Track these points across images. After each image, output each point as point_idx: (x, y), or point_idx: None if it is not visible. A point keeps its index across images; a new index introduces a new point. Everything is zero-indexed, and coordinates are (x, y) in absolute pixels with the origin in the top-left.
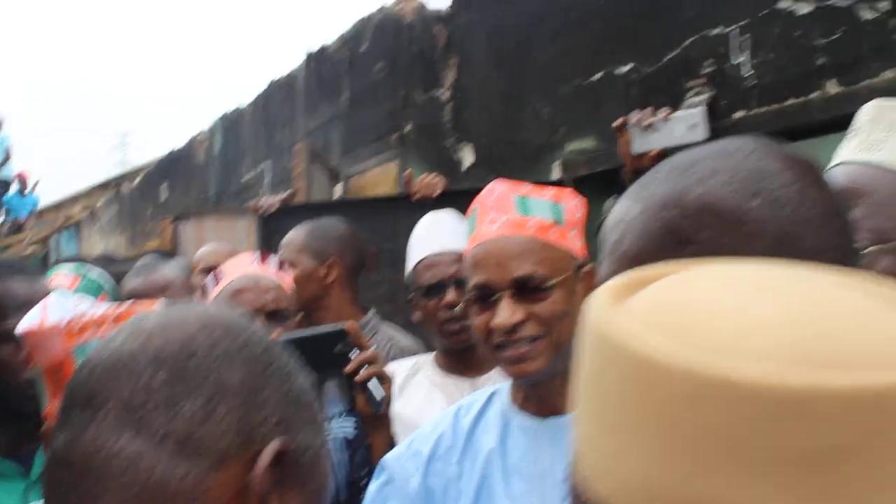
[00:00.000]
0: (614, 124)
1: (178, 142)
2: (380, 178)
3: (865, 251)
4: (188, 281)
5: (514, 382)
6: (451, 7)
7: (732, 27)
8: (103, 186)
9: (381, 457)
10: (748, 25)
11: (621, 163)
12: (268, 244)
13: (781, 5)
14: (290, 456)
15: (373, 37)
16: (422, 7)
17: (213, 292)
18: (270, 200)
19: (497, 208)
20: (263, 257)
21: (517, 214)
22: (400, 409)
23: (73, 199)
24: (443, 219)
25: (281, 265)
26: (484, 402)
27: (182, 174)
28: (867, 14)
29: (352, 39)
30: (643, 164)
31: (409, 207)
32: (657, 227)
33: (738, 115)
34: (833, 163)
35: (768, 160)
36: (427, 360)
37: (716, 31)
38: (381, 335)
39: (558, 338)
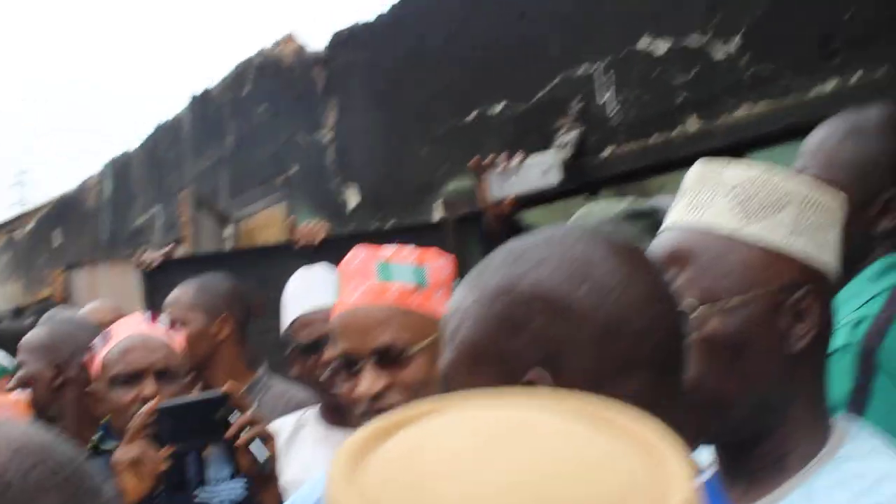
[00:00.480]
0: (469, 164)
1: (76, 179)
2: (269, 220)
3: (694, 313)
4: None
5: None
6: (328, 49)
7: (595, 66)
8: None
9: None
10: (610, 64)
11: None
12: (152, 299)
13: (640, 45)
14: None
15: (254, 79)
16: (301, 49)
17: (102, 352)
18: (152, 255)
19: (358, 275)
20: (153, 317)
21: (377, 281)
22: (286, 466)
23: None
24: (316, 274)
25: (172, 324)
26: None
27: (74, 219)
28: (719, 54)
29: (234, 82)
30: (502, 210)
31: (294, 255)
32: (491, 314)
33: (607, 151)
34: (663, 227)
35: (594, 248)
36: (311, 415)
37: (580, 70)
38: (275, 390)
39: None
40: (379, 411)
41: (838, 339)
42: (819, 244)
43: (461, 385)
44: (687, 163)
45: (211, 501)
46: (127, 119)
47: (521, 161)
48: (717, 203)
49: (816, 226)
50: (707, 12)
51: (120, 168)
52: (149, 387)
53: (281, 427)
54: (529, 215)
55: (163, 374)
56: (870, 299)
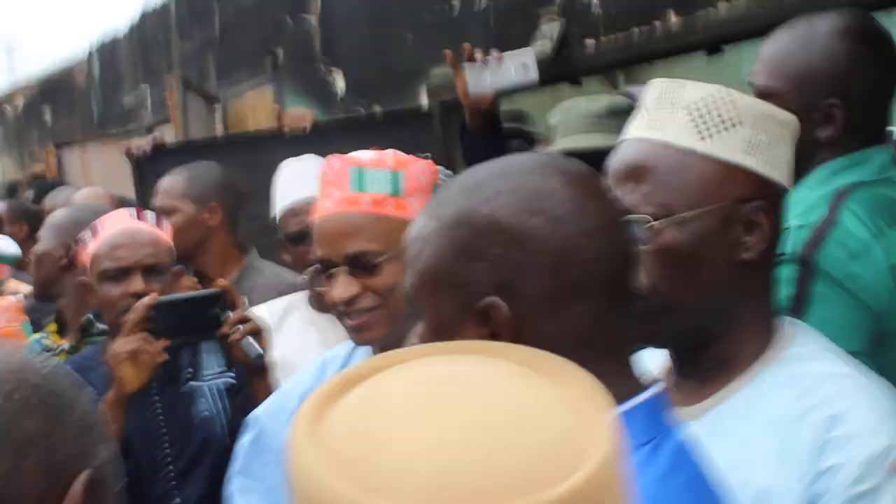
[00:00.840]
0: (446, 53)
1: (64, 51)
2: (257, 101)
3: (650, 224)
4: None
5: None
6: None
7: None
8: None
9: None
10: None
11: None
12: (143, 187)
13: None
14: (95, 483)
15: None
16: None
17: (90, 246)
18: (142, 143)
19: (334, 183)
20: (139, 212)
21: (351, 190)
22: (276, 350)
23: None
24: (305, 165)
25: (158, 218)
26: (346, 356)
27: (64, 98)
28: None
29: None
30: (480, 106)
31: (283, 141)
32: (450, 243)
33: (589, 43)
34: (622, 137)
35: (546, 179)
36: (300, 299)
37: None
38: (266, 273)
39: (395, 307)
40: (353, 314)
41: (781, 246)
42: (771, 161)
43: (424, 307)
44: (668, 56)
45: (204, 387)
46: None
47: (499, 58)
48: (675, 119)
49: (769, 143)
50: None
51: (108, 49)
52: (136, 283)
53: (271, 310)
54: (518, 100)
55: (150, 270)
56: (811, 206)
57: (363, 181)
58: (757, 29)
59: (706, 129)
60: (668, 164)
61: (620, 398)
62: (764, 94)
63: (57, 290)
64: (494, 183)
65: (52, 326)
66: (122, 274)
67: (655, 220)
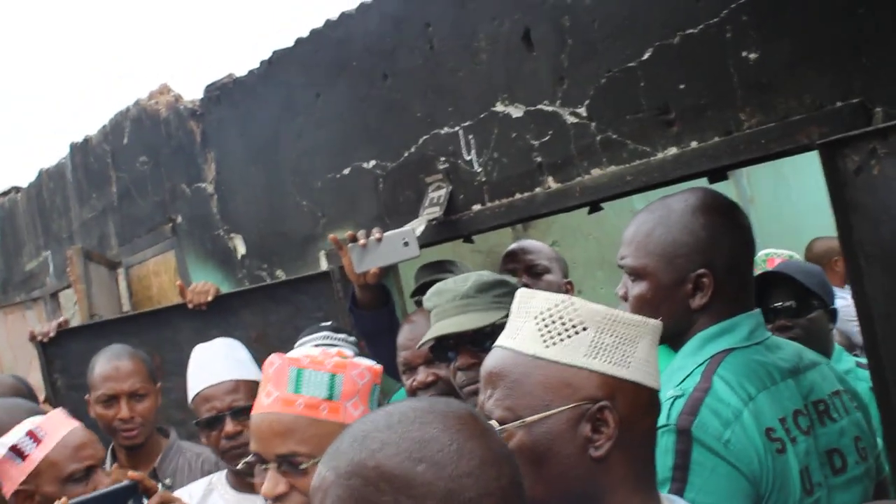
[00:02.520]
0: (330, 237)
1: None
2: (160, 266)
3: (502, 428)
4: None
5: None
6: (202, 103)
7: (457, 127)
8: None
9: None
10: (471, 126)
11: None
12: (49, 370)
13: (497, 108)
14: None
15: (132, 130)
16: (176, 100)
17: (37, 453)
18: (46, 329)
19: (273, 381)
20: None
21: (287, 392)
22: None
23: None
24: (215, 349)
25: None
26: None
27: None
28: (571, 118)
29: (112, 132)
30: (368, 280)
31: (187, 314)
32: (347, 495)
33: (475, 208)
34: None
35: (427, 427)
36: (220, 479)
37: (445, 130)
38: (188, 453)
39: None
40: None
41: (660, 418)
42: (618, 360)
43: None
44: (547, 215)
45: None
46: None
47: (379, 238)
48: (526, 328)
49: (615, 344)
50: (556, 81)
51: (6, 213)
52: (102, 480)
53: (192, 492)
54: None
55: (101, 465)
56: (687, 376)
57: (300, 383)
58: (627, 192)
59: (549, 337)
60: (517, 371)
61: None
62: (636, 273)
63: None
64: (381, 435)
65: None
66: (88, 473)
67: (504, 423)
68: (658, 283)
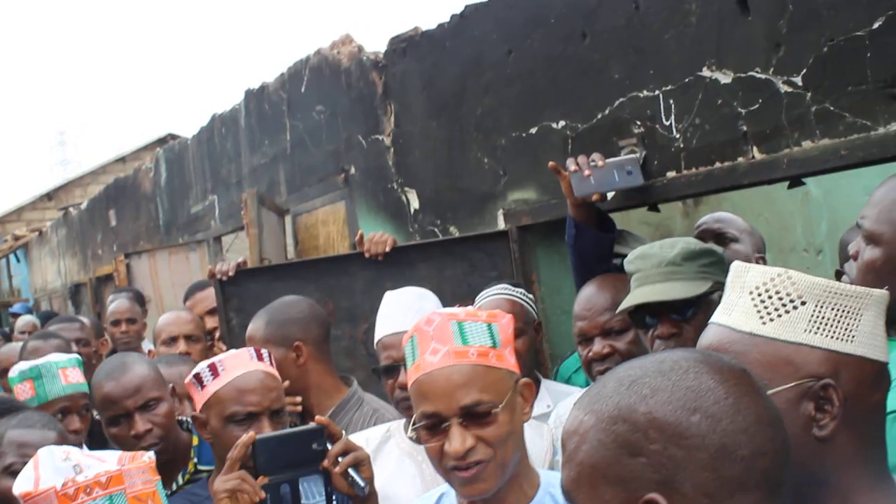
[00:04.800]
0: (550, 165)
1: (118, 146)
2: (329, 216)
3: None
4: (159, 376)
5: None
6: (386, 55)
7: (658, 91)
8: (47, 197)
9: None
10: (673, 91)
11: (561, 214)
12: (226, 308)
13: (704, 73)
14: None
15: (310, 79)
16: (358, 51)
17: (212, 385)
18: (225, 267)
19: (437, 338)
20: (258, 353)
21: (457, 344)
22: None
23: (17, 212)
24: (403, 298)
25: (270, 356)
26: (434, 501)
27: (129, 202)
28: (785, 87)
29: (290, 80)
30: (585, 208)
31: (362, 263)
32: (609, 440)
33: (670, 175)
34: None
35: (703, 377)
36: (399, 427)
37: (644, 93)
38: (365, 408)
39: (503, 457)
40: (468, 468)
41: (893, 401)
42: (840, 335)
43: (583, 501)
44: (749, 187)
45: None
46: (172, 100)
47: (602, 165)
48: (741, 303)
49: (836, 318)
50: (771, 47)
51: (174, 156)
52: (265, 427)
53: (369, 437)
54: None
55: (275, 413)
56: None
57: (465, 335)
58: (839, 168)
59: (767, 313)
60: (733, 349)
61: None
62: (871, 238)
63: (171, 444)
64: (652, 381)
65: None
66: (250, 418)
67: None
68: (892, 254)
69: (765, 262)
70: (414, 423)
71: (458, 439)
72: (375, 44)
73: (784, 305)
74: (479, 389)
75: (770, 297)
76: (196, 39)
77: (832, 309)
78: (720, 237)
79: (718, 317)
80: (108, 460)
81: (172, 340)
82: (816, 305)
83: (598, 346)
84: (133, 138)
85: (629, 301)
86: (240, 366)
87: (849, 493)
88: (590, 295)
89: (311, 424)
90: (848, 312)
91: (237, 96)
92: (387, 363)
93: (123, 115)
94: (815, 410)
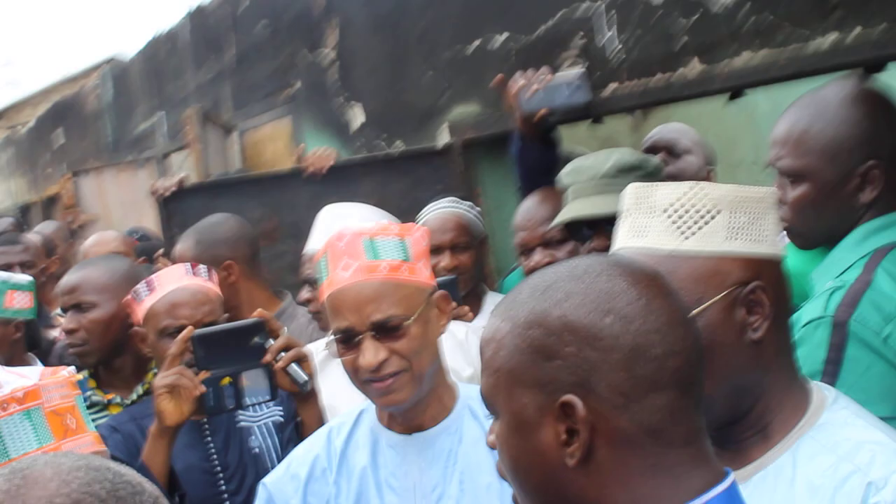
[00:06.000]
0: (496, 79)
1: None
2: (275, 132)
3: None
4: (112, 282)
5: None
6: None
7: (597, 5)
8: None
9: (313, 432)
10: (613, 3)
11: (506, 128)
12: (169, 225)
13: None
14: None
15: None
16: None
17: (147, 300)
18: (167, 184)
19: (348, 254)
20: (194, 267)
21: (367, 259)
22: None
23: None
24: (342, 212)
25: (209, 271)
26: (353, 422)
27: (76, 120)
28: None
29: None
30: (533, 123)
31: (306, 180)
32: (525, 345)
33: (611, 87)
34: (613, 247)
35: (615, 280)
36: None
37: (585, 4)
38: (301, 319)
39: (419, 368)
40: (381, 378)
41: (815, 309)
42: (756, 238)
43: (501, 407)
44: (689, 100)
45: (254, 426)
46: (121, 20)
47: (551, 78)
48: (654, 225)
49: (749, 222)
50: None
51: (119, 73)
52: None
53: (315, 349)
54: None
55: (207, 326)
56: (847, 268)
57: (377, 250)
58: (775, 80)
59: (687, 227)
60: (660, 270)
61: (696, 490)
62: (796, 174)
63: (118, 351)
64: (565, 285)
65: (92, 382)
66: (180, 331)
67: None
68: (822, 182)
69: (714, 175)
70: (330, 337)
71: (370, 352)
72: None
73: (703, 217)
74: (389, 304)
75: (687, 212)
76: None
77: (744, 214)
78: (672, 148)
79: (629, 241)
80: (29, 377)
81: None
82: (730, 213)
83: (539, 256)
84: (82, 59)
85: (563, 215)
86: (174, 280)
87: (774, 393)
88: (530, 206)
89: (251, 319)
90: (757, 216)
91: (181, 14)
92: (305, 277)
93: (71, 36)
94: (746, 314)
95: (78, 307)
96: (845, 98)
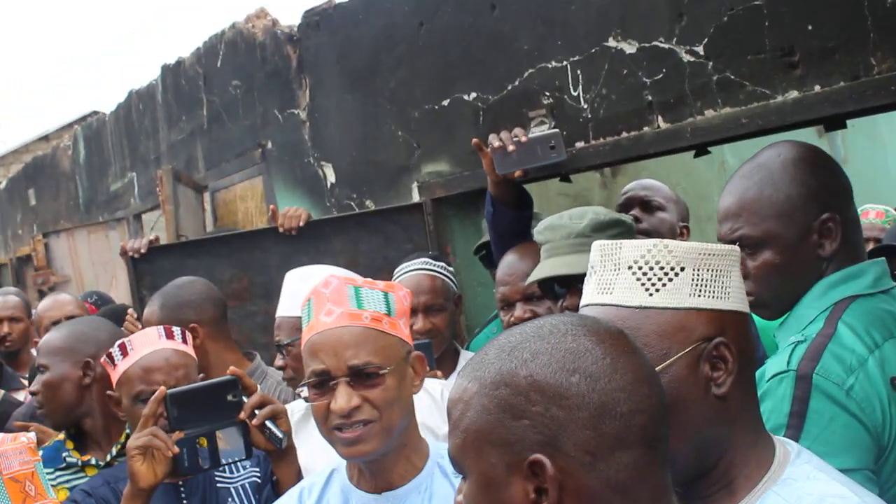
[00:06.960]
0: (473, 142)
1: (42, 125)
2: (247, 191)
3: None
4: (65, 346)
5: (349, 461)
6: (300, 28)
7: (566, 62)
8: None
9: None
10: (580, 62)
11: (475, 186)
12: (139, 285)
13: (609, 43)
14: None
15: (226, 53)
16: (272, 25)
17: (121, 364)
18: (137, 244)
19: (332, 301)
20: (168, 331)
21: (351, 307)
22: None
23: None
24: (308, 274)
25: (183, 333)
26: (324, 482)
27: (48, 180)
28: (687, 56)
29: (206, 55)
30: (505, 186)
31: (277, 238)
32: (493, 405)
33: (579, 145)
34: (581, 304)
35: (581, 339)
36: None
37: (552, 64)
38: (269, 381)
39: (389, 421)
40: (351, 425)
41: (779, 363)
42: (720, 294)
43: (470, 466)
44: (654, 156)
45: (230, 488)
46: (96, 78)
47: (524, 141)
48: (619, 281)
49: (713, 278)
50: (674, 17)
51: (92, 133)
52: None
53: (291, 409)
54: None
55: None
56: (809, 322)
57: (361, 299)
58: (737, 135)
59: (651, 284)
60: (626, 325)
61: None
62: (757, 242)
63: (82, 413)
64: (531, 345)
65: (69, 444)
66: None
67: None
68: (784, 244)
69: (688, 231)
70: (304, 382)
71: (343, 397)
72: (290, 17)
73: (666, 274)
74: (368, 351)
75: (651, 269)
76: (118, 14)
77: (708, 270)
78: (646, 205)
79: (595, 297)
80: None
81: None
82: (694, 269)
83: (520, 311)
84: (57, 117)
85: (538, 273)
86: (147, 344)
87: (739, 448)
88: (512, 261)
89: (225, 377)
90: (721, 272)
91: (154, 72)
92: (277, 342)
93: (48, 94)
94: (710, 370)
95: (39, 369)
96: (786, 160)
